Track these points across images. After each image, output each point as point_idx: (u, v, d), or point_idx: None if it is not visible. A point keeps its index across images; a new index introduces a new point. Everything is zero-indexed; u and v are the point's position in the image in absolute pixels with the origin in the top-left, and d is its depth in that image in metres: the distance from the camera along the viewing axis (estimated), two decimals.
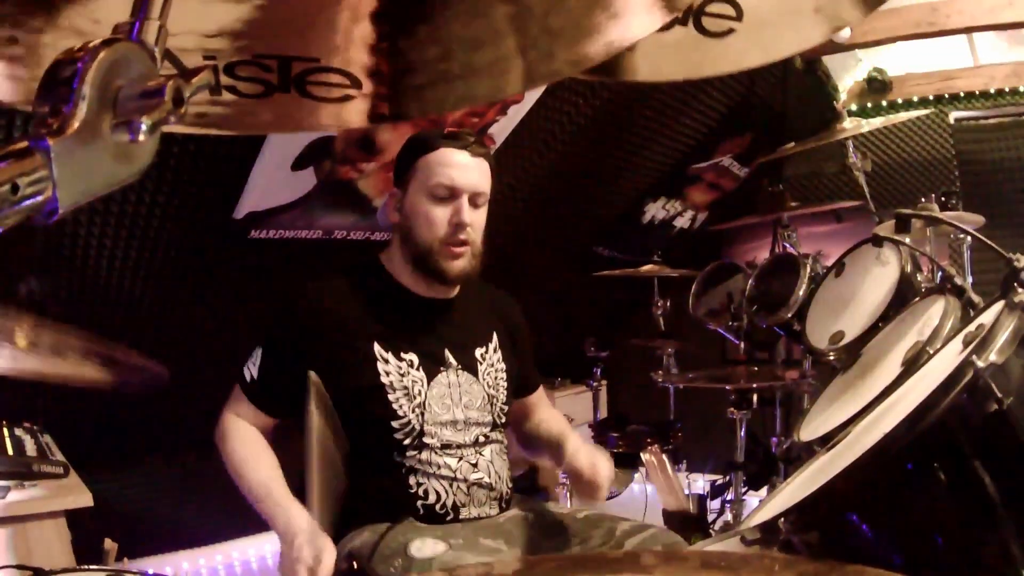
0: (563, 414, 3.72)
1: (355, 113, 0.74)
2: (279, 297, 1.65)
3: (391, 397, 1.56)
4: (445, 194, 1.59)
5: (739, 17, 0.92)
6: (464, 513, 1.57)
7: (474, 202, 1.62)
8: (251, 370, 1.60)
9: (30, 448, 2.01)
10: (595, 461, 1.61)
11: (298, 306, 1.62)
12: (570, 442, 1.66)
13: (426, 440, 1.56)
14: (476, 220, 1.63)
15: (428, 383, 1.60)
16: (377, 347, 1.58)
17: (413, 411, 1.57)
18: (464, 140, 1.61)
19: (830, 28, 0.94)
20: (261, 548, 3.48)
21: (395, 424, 1.55)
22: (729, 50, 0.94)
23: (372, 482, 1.57)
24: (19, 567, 1.58)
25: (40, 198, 0.40)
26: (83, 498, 1.85)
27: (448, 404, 1.61)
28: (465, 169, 1.60)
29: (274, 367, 1.59)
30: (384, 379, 1.56)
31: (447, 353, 1.64)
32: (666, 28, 0.90)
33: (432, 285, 1.65)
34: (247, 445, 1.60)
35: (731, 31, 0.92)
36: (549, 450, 1.74)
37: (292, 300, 1.63)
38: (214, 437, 1.63)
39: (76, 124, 0.40)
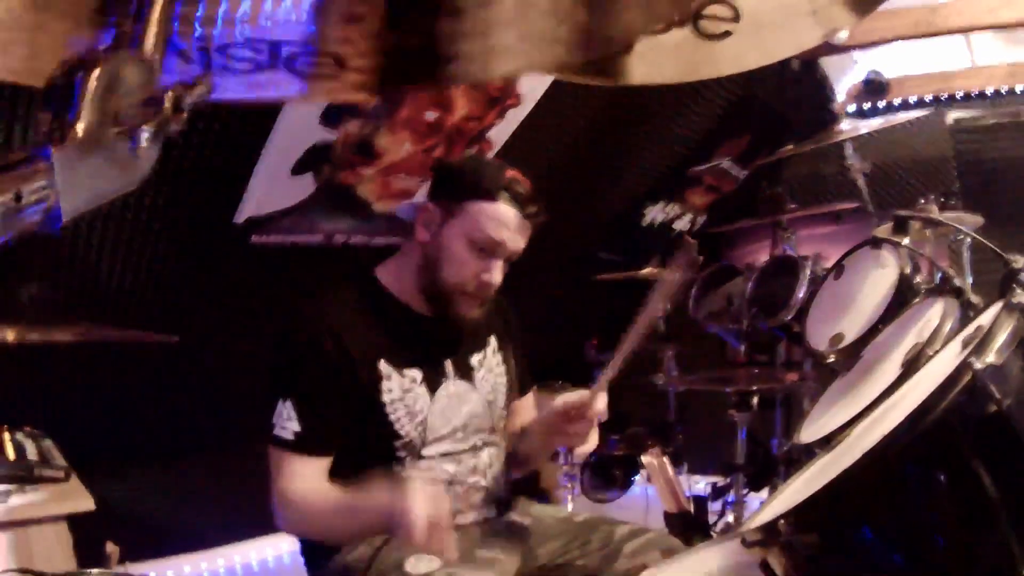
0: None
1: (341, 88, 0.76)
2: (286, 333, 1.57)
3: (392, 417, 1.53)
4: (487, 247, 1.53)
5: (736, 19, 0.92)
6: (460, 519, 1.56)
7: (509, 260, 1.58)
8: (290, 426, 1.47)
9: (31, 452, 2.01)
10: (579, 395, 1.56)
11: (305, 337, 1.54)
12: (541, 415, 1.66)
13: (425, 452, 1.55)
14: (502, 276, 1.60)
15: (431, 398, 1.57)
16: (383, 364, 1.54)
17: (415, 428, 1.55)
18: (524, 204, 1.55)
19: (825, 31, 0.94)
20: (263, 552, 3.48)
21: (396, 444, 1.53)
22: (727, 52, 0.94)
23: None
24: (21, 571, 1.58)
25: (44, 206, 0.40)
26: (85, 502, 1.85)
27: (448, 417, 1.58)
28: (516, 231, 1.55)
29: (316, 414, 1.49)
30: (386, 396, 1.53)
31: (447, 364, 1.62)
32: (664, 30, 0.91)
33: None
34: (318, 500, 1.49)
35: (728, 33, 0.92)
36: (525, 442, 1.72)
37: (296, 334, 1.56)
38: (278, 523, 1.50)
39: (78, 133, 0.40)
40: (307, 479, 1.49)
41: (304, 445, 1.48)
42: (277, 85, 0.78)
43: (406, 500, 1.29)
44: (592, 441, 1.59)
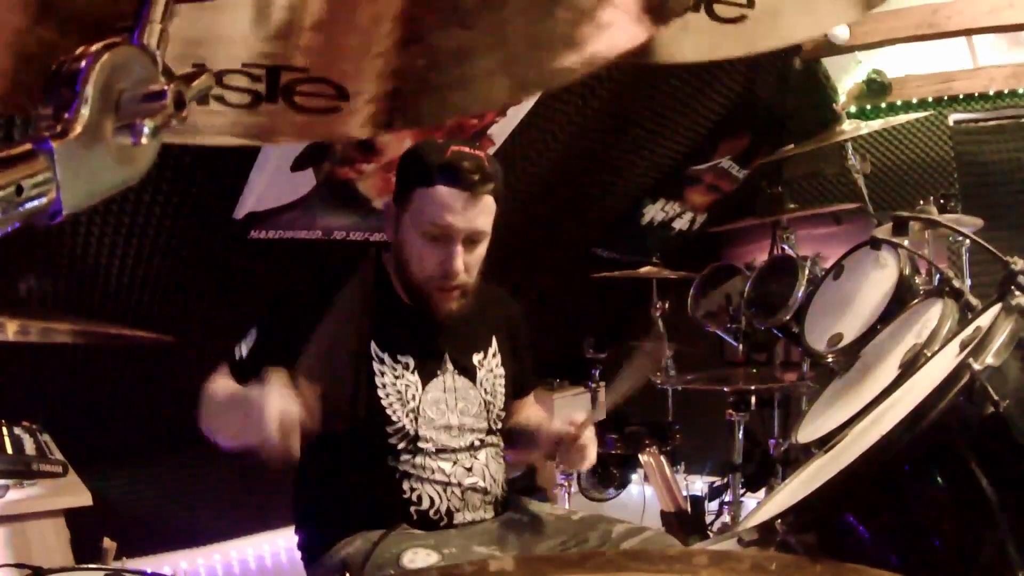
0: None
1: (341, 125, 0.72)
2: (279, 287, 1.61)
3: (384, 402, 1.53)
4: (438, 234, 1.48)
5: (750, 4, 0.92)
6: (458, 518, 1.56)
7: (471, 241, 1.52)
8: (241, 349, 1.52)
9: (29, 447, 2.01)
10: (570, 419, 1.57)
11: (297, 294, 1.57)
12: (544, 421, 1.67)
13: (421, 444, 1.54)
14: (471, 261, 1.53)
15: (423, 387, 1.57)
16: (374, 346, 1.55)
17: (407, 415, 1.54)
18: (466, 180, 1.46)
19: (837, 19, 0.95)
20: (260, 548, 3.48)
21: (389, 429, 1.53)
22: (741, 35, 0.94)
23: (365, 488, 1.56)
24: (18, 566, 1.57)
25: (44, 200, 0.40)
26: (82, 497, 1.85)
27: (443, 409, 1.58)
28: (462, 212, 1.47)
29: (265, 348, 1.49)
30: (378, 379, 1.53)
31: (446, 357, 1.61)
32: (679, 15, 0.91)
33: None
34: (219, 389, 1.47)
35: (743, 18, 0.93)
36: (525, 437, 1.73)
37: (291, 289, 1.58)
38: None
39: (79, 127, 0.40)
40: (215, 382, 1.48)
41: (238, 370, 1.47)
42: (273, 120, 0.74)
43: (261, 396, 1.24)
44: (588, 460, 1.60)
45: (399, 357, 1.57)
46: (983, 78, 3.88)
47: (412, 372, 1.57)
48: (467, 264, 1.53)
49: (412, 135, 2.72)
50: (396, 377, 1.55)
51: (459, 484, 1.56)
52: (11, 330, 1.34)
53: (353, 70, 0.69)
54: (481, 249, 1.56)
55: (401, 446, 1.54)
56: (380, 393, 1.53)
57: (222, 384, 1.50)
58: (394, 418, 1.53)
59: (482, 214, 1.51)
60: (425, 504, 1.54)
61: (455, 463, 1.57)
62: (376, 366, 1.54)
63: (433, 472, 1.55)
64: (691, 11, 0.91)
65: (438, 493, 1.55)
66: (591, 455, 1.59)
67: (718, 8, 0.92)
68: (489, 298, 1.75)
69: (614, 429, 3.44)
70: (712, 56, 0.99)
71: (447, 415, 1.58)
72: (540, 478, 3.67)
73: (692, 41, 0.94)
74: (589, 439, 1.58)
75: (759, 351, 3.34)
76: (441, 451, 1.57)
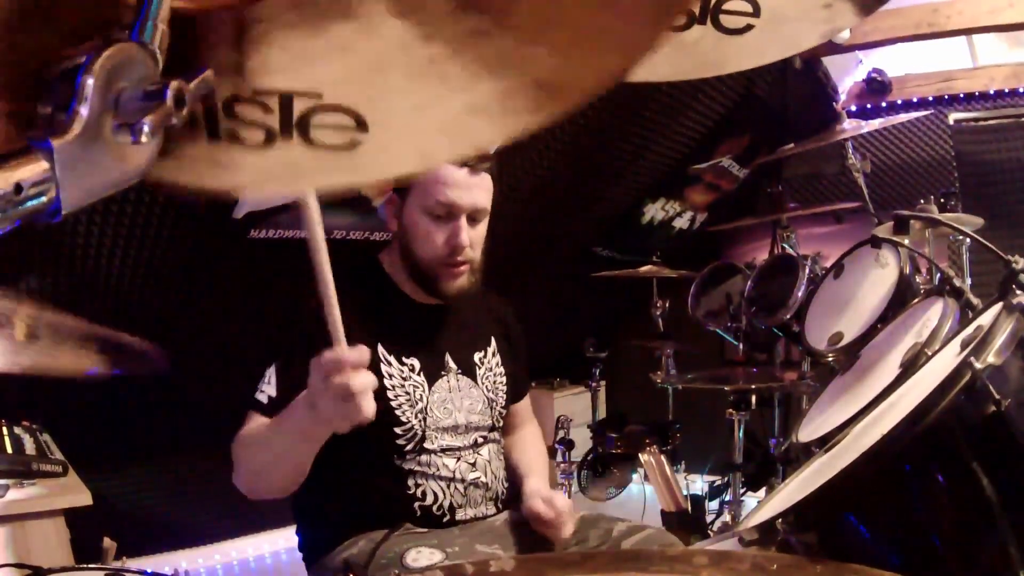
0: (561, 415, 3.73)
1: (366, 167, 0.59)
2: (281, 307, 1.60)
3: (394, 403, 1.54)
4: (442, 212, 1.55)
5: (756, 13, 0.92)
6: (460, 514, 1.57)
7: (473, 219, 1.58)
8: (267, 390, 1.48)
9: (29, 447, 2.01)
10: (551, 498, 1.56)
11: (301, 316, 1.52)
12: (529, 482, 1.64)
13: (427, 444, 1.56)
14: (476, 237, 1.60)
15: (429, 388, 1.59)
16: (381, 350, 1.56)
17: (416, 416, 1.56)
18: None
19: (835, 26, 0.94)
20: (260, 547, 3.48)
21: (398, 430, 1.54)
22: (747, 46, 0.94)
23: (370, 486, 1.56)
24: (18, 566, 1.58)
25: (43, 199, 0.40)
26: (82, 497, 1.85)
27: (449, 409, 1.60)
28: (464, 188, 1.55)
29: (293, 381, 1.44)
30: (387, 382, 1.54)
31: (448, 358, 1.63)
32: (684, 27, 0.90)
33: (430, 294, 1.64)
34: (252, 428, 1.47)
35: (749, 27, 0.92)
36: (513, 479, 1.73)
37: (294, 311, 1.56)
38: (234, 479, 1.48)
39: (78, 125, 0.40)
40: (249, 429, 1.46)
41: (275, 409, 1.43)
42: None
43: (315, 378, 1.18)
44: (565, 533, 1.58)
45: (404, 360, 1.58)
46: (983, 77, 3.87)
47: (418, 374, 1.59)
48: (472, 240, 1.58)
49: None
50: (403, 379, 1.57)
51: (462, 480, 1.58)
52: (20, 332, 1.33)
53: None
54: (483, 227, 1.62)
55: (408, 447, 1.55)
56: (390, 395, 1.54)
57: (257, 424, 1.46)
58: (403, 419, 1.54)
59: (482, 190, 1.58)
60: (429, 500, 1.55)
61: (459, 459, 1.59)
62: (384, 368, 1.55)
63: (438, 469, 1.56)
64: (698, 23, 0.91)
65: (442, 489, 1.56)
66: (565, 534, 1.56)
67: (724, 19, 0.92)
68: (486, 302, 1.79)
69: (614, 428, 3.44)
70: (719, 71, 0.99)
71: (454, 415, 1.60)
72: None
73: (697, 56, 0.94)
74: (563, 523, 1.55)
75: (759, 350, 3.34)
76: (446, 449, 1.58)
